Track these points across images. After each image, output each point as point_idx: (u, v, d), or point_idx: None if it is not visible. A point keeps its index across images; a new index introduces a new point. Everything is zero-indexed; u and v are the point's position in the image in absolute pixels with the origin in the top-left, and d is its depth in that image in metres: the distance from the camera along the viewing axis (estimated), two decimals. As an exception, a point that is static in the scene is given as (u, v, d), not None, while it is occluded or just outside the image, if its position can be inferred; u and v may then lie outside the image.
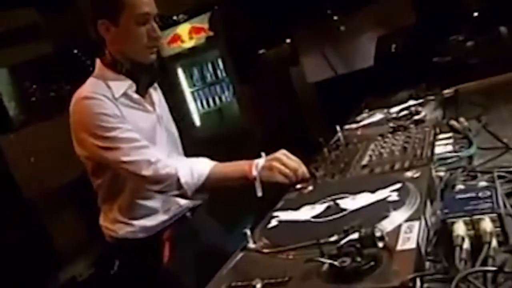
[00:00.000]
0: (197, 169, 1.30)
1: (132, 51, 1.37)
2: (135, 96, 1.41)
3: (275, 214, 1.05)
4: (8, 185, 3.63)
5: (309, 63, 4.63)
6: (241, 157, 1.33)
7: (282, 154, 1.26)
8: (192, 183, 1.29)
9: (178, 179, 1.28)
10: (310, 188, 1.17)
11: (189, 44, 4.54)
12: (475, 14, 3.28)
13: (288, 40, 4.59)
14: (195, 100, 4.88)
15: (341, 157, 1.36)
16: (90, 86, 1.37)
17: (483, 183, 0.94)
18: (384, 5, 4.03)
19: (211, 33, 4.08)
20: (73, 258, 3.77)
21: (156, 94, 1.52)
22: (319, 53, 4.51)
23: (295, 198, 1.15)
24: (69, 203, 3.92)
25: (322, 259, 0.72)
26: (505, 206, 0.81)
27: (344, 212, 0.92)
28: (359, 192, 0.98)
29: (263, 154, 1.28)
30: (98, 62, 1.43)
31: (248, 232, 0.94)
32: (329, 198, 1.01)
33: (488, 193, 0.86)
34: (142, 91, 1.44)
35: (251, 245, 0.90)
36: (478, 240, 0.77)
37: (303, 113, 4.42)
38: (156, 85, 1.53)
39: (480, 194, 0.86)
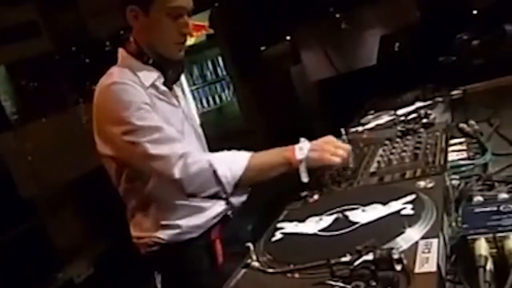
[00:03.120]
0: (233, 160, 1.16)
1: (159, 44, 1.28)
2: (163, 88, 1.30)
3: (279, 225, 0.99)
4: (6, 184, 3.57)
5: (310, 61, 4.56)
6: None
7: (331, 138, 1.21)
8: (231, 176, 1.15)
9: (215, 172, 1.14)
10: (316, 197, 1.11)
11: (189, 41, 4.47)
12: (475, 12, 3.21)
13: (288, 38, 4.52)
14: (195, 99, 4.81)
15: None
16: (117, 73, 1.24)
17: (503, 195, 0.88)
18: (387, 3, 3.96)
19: (211, 31, 4.01)
20: (71, 259, 3.72)
21: (178, 89, 1.43)
22: (320, 52, 4.44)
23: (299, 208, 1.08)
24: (67, 203, 3.86)
25: (334, 283, 0.65)
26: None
27: (354, 226, 0.86)
28: (369, 204, 0.92)
29: (302, 139, 1.18)
30: (121, 51, 1.32)
31: (251, 246, 0.88)
32: (337, 210, 0.95)
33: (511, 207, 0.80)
34: (169, 84, 1.34)
35: (254, 262, 0.83)
36: (502, 260, 0.71)
37: (304, 112, 4.36)
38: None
39: (502, 208, 0.80)
